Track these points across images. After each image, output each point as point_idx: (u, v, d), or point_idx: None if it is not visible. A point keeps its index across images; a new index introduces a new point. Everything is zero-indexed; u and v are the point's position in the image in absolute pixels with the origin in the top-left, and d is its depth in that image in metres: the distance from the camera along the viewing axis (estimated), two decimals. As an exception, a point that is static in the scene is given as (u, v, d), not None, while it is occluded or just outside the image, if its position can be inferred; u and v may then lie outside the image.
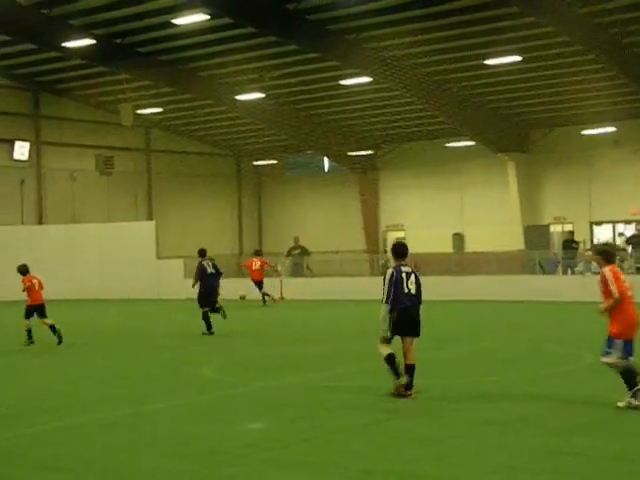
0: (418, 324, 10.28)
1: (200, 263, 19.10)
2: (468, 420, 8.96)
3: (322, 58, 30.37)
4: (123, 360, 15.05)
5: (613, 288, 9.17)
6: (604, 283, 9.28)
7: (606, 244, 10.07)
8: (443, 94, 33.51)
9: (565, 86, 32.39)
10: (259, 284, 27.54)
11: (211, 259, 25.23)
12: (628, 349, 9.19)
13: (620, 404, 9.19)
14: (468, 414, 9.27)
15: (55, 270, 32.53)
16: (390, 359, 10.11)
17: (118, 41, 29.90)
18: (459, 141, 38.28)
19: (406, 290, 10.16)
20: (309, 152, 42.69)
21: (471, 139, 37.26)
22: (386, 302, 10.11)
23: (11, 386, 12.33)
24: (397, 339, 10.31)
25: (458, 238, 40.14)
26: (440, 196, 40.84)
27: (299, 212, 45.31)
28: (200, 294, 18.76)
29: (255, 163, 46.40)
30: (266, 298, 27.51)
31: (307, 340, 17.52)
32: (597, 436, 8.19)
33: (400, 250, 10.67)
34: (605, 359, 9.23)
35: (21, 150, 36.66)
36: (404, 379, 10.07)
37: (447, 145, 39.34)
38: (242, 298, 26.89)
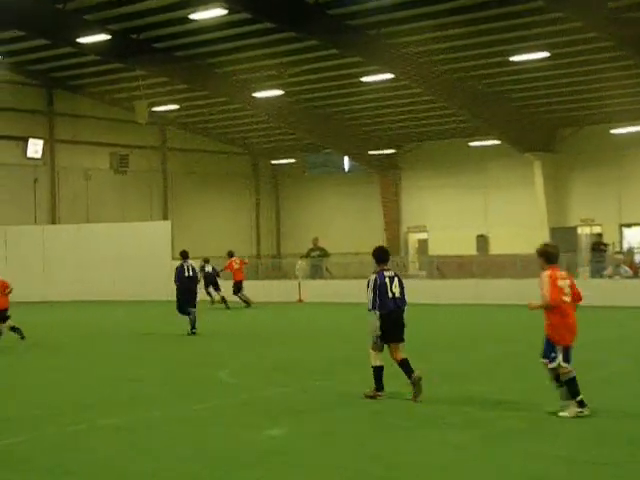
0: (402, 328, 10.56)
1: (180, 265, 19.76)
2: (489, 427, 8.91)
3: (342, 54, 30.32)
4: (134, 362, 15.08)
5: (545, 292, 9.30)
6: (541, 286, 9.40)
7: (547, 244, 10.08)
8: (467, 92, 33.40)
9: (594, 83, 32.19)
10: (239, 285, 27.65)
11: (205, 258, 25.55)
12: (566, 356, 9.28)
13: (562, 414, 9.17)
14: (488, 421, 9.22)
15: (68, 271, 32.70)
16: (377, 371, 10.48)
17: (134, 37, 30.00)
18: (483, 140, 38.13)
19: (390, 294, 10.45)
20: (329, 151, 42.66)
21: (496, 138, 37.11)
22: (373, 308, 10.42)
23: (20, 388, 12.35)
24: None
25: (482, 240, 39.99)
26: (464, 197, 40.72)
27: (318, 213, 45.32)
28: (178, 296, 19.51)
29: (273, 162, 46.45)
30: (244, 299, 27.51)
31: (322, 344, 17.47)
32: (619, 446, 8.08)
33: (381, 255, 10.82)
34: (551, 364, 9.30)
35: (34, 148, 36.86)
36: (381, 394, 10.44)
37: (471, 144, 39.21)
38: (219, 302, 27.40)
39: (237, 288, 27.56)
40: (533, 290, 28.85)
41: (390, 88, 33.58)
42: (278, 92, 34.29)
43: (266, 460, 7.74)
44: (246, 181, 45.98)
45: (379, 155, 41.40)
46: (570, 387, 9.19)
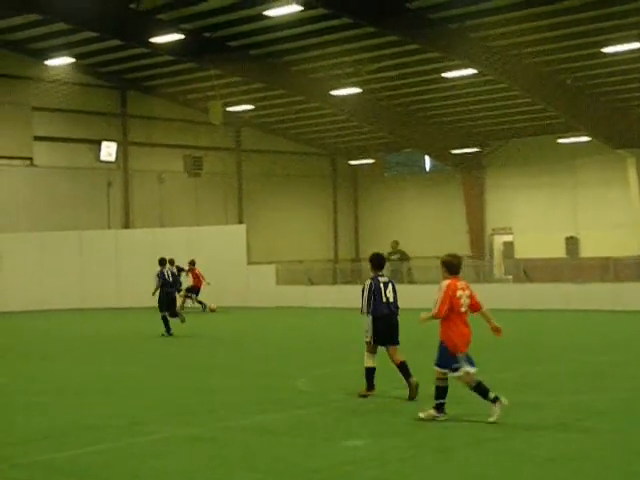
0: (397, 332, 11.54)
1: (160, 271, 21.78)
2: (585, 440, 8.78)
3: (423, 49, 30.21)
4: (208, 371, 15.21)
5: (435, 306, 9.66)
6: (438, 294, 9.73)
7: (450, 254, 10.16)
8: (555, 86, 32.92)
9: (692, 75, 31.42)
10: (198, 291, 30.39)
11: (171, 260, 26.09)
12: (455, 361, 9.55)
13: (422, 415, 9.71)
14: (582, 434, 9.09)
15: (141, 277, 33.21)
16: (369, 372, 11.54)
17: (208, 35, 30.39)
18: (573, 136, 37.59)
19: (384, 299, 11.46)
20: (409, 150, 42.54)
21: (586, 134, 36.52)
22: (367, 313, 11.44)
23: (98, 397, 12.58)
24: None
25: (572, 242, 39.38)
26: (552, 196, 40.17)
27: (398, 214, 45.20)
28: (159, 300, 21.57)
29: (351, 162, 46.49)
30: (206, 305, 30.39)
31: (403, 350, 17.39)
32: None
33: (378, 261, 11.80)
34: (456, 374, 9.60)
35: (108, 151, 37.57)
36: (372, 392, 11.45)
37: (559, 141, 38.68)
38: (212, 310, 29.98)
39: (197, 293, 30.44)
40: (627, 295, 28.37)
41: (474, 84, 33.33)
42: (356, 90, 34.33)
43: (344, 474, 7.73)
44: (323, 182, 46.11)
45: (462, 154, 41.10)
46: (437, 392, 9.68)
